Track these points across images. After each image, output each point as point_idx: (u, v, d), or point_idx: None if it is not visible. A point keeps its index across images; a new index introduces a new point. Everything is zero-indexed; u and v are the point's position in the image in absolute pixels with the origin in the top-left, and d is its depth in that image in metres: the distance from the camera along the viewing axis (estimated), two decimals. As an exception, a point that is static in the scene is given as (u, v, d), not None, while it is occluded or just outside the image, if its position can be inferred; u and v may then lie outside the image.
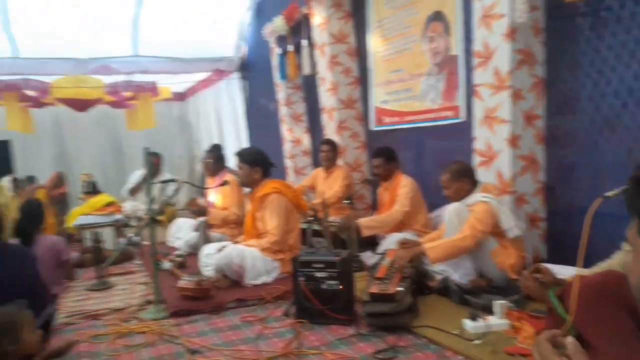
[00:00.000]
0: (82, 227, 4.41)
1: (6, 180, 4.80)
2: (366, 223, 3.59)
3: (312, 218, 3.51)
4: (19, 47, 6.29)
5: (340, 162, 4.59)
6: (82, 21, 6.13)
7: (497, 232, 2.75)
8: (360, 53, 4.71)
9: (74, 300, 3.26)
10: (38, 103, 8.24)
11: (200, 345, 2.34)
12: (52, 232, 4.11)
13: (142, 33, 6.59)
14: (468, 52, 3.39)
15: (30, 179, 6.32)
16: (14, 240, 2.83)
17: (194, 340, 2.41)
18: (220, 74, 7.86)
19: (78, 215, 4.58)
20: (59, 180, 6.00)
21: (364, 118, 4.73)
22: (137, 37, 6.69)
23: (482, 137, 3.11)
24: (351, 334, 2.36)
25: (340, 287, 2.49)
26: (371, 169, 4.11)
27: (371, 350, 2.16)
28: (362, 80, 4.72)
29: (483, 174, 3.07)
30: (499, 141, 2.99)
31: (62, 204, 5.69)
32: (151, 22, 6.39)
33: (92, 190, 5.64)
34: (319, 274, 2.51)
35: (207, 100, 9.00)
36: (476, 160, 3.17)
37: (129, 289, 3.50)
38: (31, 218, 3.13)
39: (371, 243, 3.73)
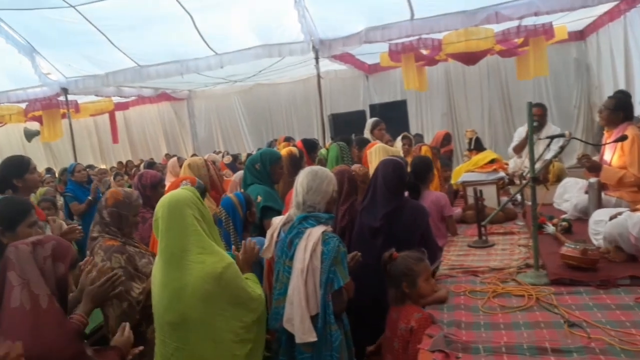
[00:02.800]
0: (465, 184, 4.84)
1: (399, 140, 5.70)
2: None
3: None
4: (413, 9, 7.15)
5: None
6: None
7: None
8: None
9: (456, 254, 3.67)
10: (431, 61, 9.25)
11: (581, 319, 2.31)
12: (438, 188, 4.67)
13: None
14: None
15: (418, 137, 7.27)
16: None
17: (575, 313, 2.39)
18: (630, 1, 6.94)
19: (462, 172, 5.03)
20: (447, 139, 6.70)
21: None
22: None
23: None
24: None
25: None
26: None
27: None
28: None
29: None
30: None
31: (449, 160, 6.36)
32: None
33: (476, 146, 6.05)
34: None
35: (612, 36, 8.10)
36: None
37: (509, 249, 3.68)
38: (420, 174, 3.69)
39: None
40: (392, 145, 5.53)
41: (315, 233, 2.39)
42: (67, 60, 8.88)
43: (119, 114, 12.76)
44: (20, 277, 1.83)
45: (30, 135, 11.72)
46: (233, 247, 2.89)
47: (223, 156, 7.93)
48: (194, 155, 10.92)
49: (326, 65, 9.83)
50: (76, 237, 3.55)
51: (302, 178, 2.60)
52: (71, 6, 7.47)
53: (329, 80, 11.60)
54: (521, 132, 5.88)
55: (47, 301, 1.82)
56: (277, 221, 2.70)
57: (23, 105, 10.18)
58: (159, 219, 2.33)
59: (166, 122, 14.26)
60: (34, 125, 11.16)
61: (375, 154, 4.50)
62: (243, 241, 2.71)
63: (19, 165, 3.52)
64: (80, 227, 3.71)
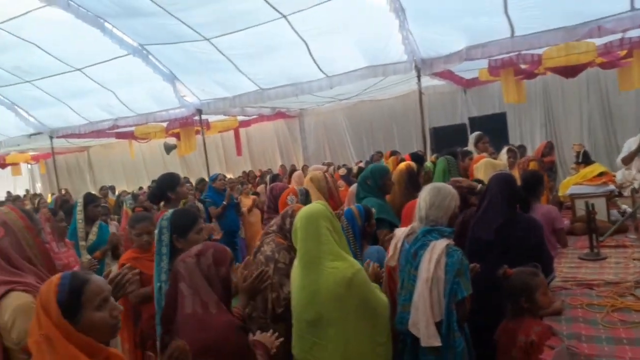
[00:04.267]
0: (574, 196, 4.56)
1: (503, 152, 5.48)
2: None
3: None
4: (514, 26, 6.86)
5: None
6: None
7: None
8: None
9: (567, 266, 3.47)
10: (529, 74, 8.81)
11: None
12: (545, 200, 4.43)
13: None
14: None
15: (522, 148, 6.93)
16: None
17: None
18: None
19: (570, 185, 4.75)
20: (548, 149, 6.33)
21: None
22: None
23: None
24: None
25: None
26: None
27: None
28: None
29: None
30: None
31: (551, 171, 6.01)
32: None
33: (584, 159, 5.66)
34: None
35: None
36: None
37: (623, 263, 3.41)
38: (531, 188, 3.54)
39: None
40: (495, 158, 5.34)
41: (439, 246, 2.38)
42: (201, 85, 9.51)
43: (242, 130, 13.43)
44: (190, 287, 1.97)
45: (169, 148, 12.70)
46: None
47: (336, 169, 8.06)
48: (304, 166, 11.25)
49: (426, 81, 9.68)
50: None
51: (426, 194, 2.60)
52: (206, 39, 8.02)
53: (428, 95, 11.40)
54: (631, 143, 5.42)
55: (216, 307, 1.94)
56: (399, 232, 2.72)
57: (164, 124, 11.04)
58: (298, 229, 2.45)
59: (280, 137, 14.81)
60: (172, 141, 12.07)
61: (482, 168, 4.37)
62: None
63: (172, 180, 3.85)
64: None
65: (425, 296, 2.33)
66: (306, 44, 7.91)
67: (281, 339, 2.30)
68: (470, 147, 5.85)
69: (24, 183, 18.94)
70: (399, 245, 2.64)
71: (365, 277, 2.39)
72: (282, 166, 13.05)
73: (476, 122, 9.08)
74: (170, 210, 2.80)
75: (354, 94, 10.97)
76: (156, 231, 2.72)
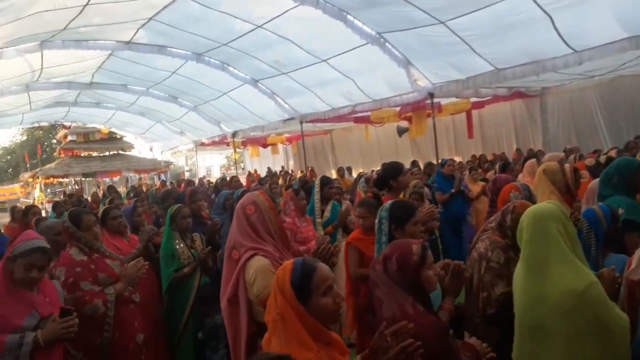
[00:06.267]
0: None
1: None
2: None
3: None
4: None
5: None
6: None
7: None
8: None
9: None
10: None
11: None
12: None
13: None
14: None
15: None
16: None
17: None
18: None
19: None
20: None
21: None
22: None
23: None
24: None
25: None
26: None
27: None
28: None
29: None
30: None
31: None
32: None
33: None
34: None
35: None
36: None
37: None
38: None
39: None
40: None
41: None
42: (434, 69, 9.45)
43: (474, 112, 12.93)
44: (384, 293, 2.01)
45: (401, 131, 13.04)
46: None
47: (578, 157, 7.11)
48: (538, 151, 10.21)
49: None
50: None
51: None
52: (441, 22, 7.90)
53: None
54: None
55: (412, 308, 1.94)
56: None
57: (397, 109, 11.35)
58: (523, 229, 2.28)
59: (517, 118, 13.69)
60: (404, 124, 12.35)
61: None
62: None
63: (395, 169, 3.95)
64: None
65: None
66: (550, 18, 7.11)
67: (492, 355, 2.15)
68: None
69: (280, 161, 21.91)
70: (648, 256, 2.21)
71: (601, 292, 2.08)
72: (518, 150, 12.12)
73: None
74: (389, 202, 2.89)
75: (609, 69, 9.45)
76: (376, 220, 2.85)
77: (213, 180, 18.07)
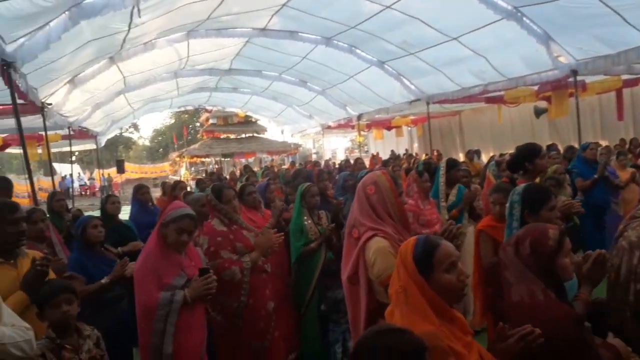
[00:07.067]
0: None
1: None
2: None
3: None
4: None
5: None
6: None
7: None
8: None
9: None
10: None
11: None
12: None
13: None
14: None
15: None
16: None
17: None
18: None
19: None
20: None
21: None
22: None
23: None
24: None
25: None
26: None
27: None
28: None
29: None
30: None
31: None
32: None
33: None
34: None
35: None
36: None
37: None
38: None
39: None
40: None
41: None
42: (578, 44, 8.57)
43: (626, 91, 11.51)
44: (513, 276, 1.92)
45: (539, 112, 12.08)
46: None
47: None
48: None
49: None
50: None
51: None
52: (592, -8, 7.13)
53: None
54: None
55: (543, 294, 1.84)
56: None
57: (535, 88, 10.53)
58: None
59: (680, 98, 11.96)
60: (542, 104, 11.43)
61: None
62: None
63: (532, 150, 3.64)
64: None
65: None
66: None
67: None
68: None
69: (405, 144, 21.63)
70: None
71: None
72: (679, 134, 10.59)
73: None
74: (522, 185, 2.72)
75: None
76: (507, 205, 2.71)
77: (337, 162, 18.47)
